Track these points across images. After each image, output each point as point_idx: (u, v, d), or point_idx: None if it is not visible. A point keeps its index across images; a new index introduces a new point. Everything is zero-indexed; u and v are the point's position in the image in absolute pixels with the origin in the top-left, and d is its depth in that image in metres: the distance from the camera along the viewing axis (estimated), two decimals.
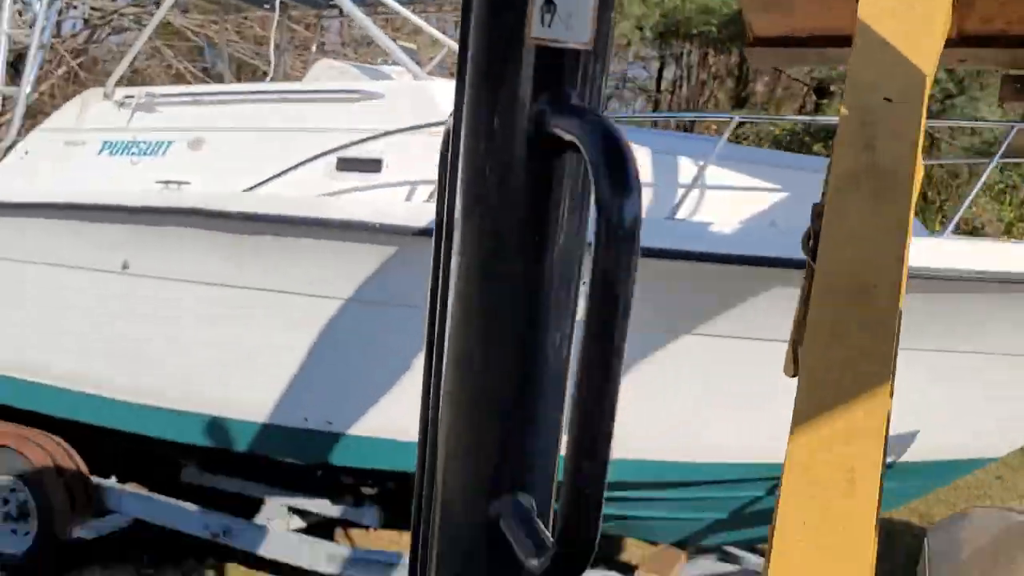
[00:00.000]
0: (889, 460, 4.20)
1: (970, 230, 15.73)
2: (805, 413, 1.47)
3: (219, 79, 8.05)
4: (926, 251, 3.31)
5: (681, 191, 3.68)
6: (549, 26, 0.67)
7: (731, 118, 3.86)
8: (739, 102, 19.64)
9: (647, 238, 2.86)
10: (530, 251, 0.72)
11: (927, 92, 1.53)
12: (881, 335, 1.41)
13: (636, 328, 2.93)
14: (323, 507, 5.06)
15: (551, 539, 0.66)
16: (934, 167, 14.65)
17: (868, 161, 1.43)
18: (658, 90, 23.15)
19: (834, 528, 1.39)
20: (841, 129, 1.49)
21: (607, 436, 0.64)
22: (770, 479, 3.60)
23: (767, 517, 1.65)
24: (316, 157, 4.07)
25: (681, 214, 3.70)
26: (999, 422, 3.81)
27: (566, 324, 0.64)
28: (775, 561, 1.46)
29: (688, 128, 14.46)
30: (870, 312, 1.42)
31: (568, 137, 0.67)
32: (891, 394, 1.63)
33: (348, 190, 4.11)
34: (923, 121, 1.47)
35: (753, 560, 4.60)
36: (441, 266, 0.86)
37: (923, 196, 14.83)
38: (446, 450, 0.77)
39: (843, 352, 1.43)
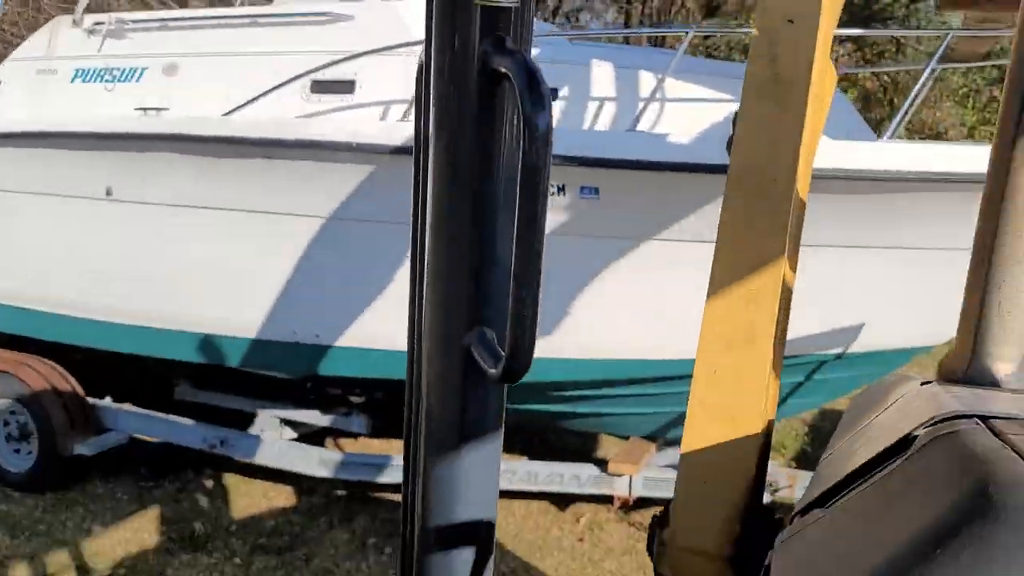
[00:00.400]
0: (838, 351, 4.55)
1: (934, 134, 15.98)
2: (718, 281, 1.75)
3: (184, 3, 7.94)
4: (867, 154, 3.55)
5: (642, 104, 3.87)
6: None
7: (687, 32, 4.01)
8: (710, 11, 19.43)
9: (610, 150, 3.12)
10: (484, 152, 1.01)
11: (837, 13, 1.76)
12: (779, 218, 1.68)
13: (600, 234, 3.20)
14: (314, 417, 5.32)
15: (504, 353, 0.92)
16: (900, 75, 14.75)
17: (772, 74, 1.68)
18: (628, 1, 22.83)
19: (738, 372, 1.68)
20: (753, 46, 1.73)
21: (536, 273, 0.89)
22: None
23: None
24: (291, 80, 4.17)
25: (642, 126, 3.89)
26: (937, 312, 4.11)
27: (513, 203, 0.88)
28: (692, 404, 1.78)
29: (659, 42, 14.39)
30: (770, 199, 1.69)
31: (503, 71, 0.95)
32: (794, 269, 1.89)
33: (324, 112, 4.24)
34: (822, 37, 1.70)
35: None
36: (421, 177, 1.12)
37: (890, 102, 14.98)
38: (431, 303, 1.05)
39: (748, 231, 1.70)
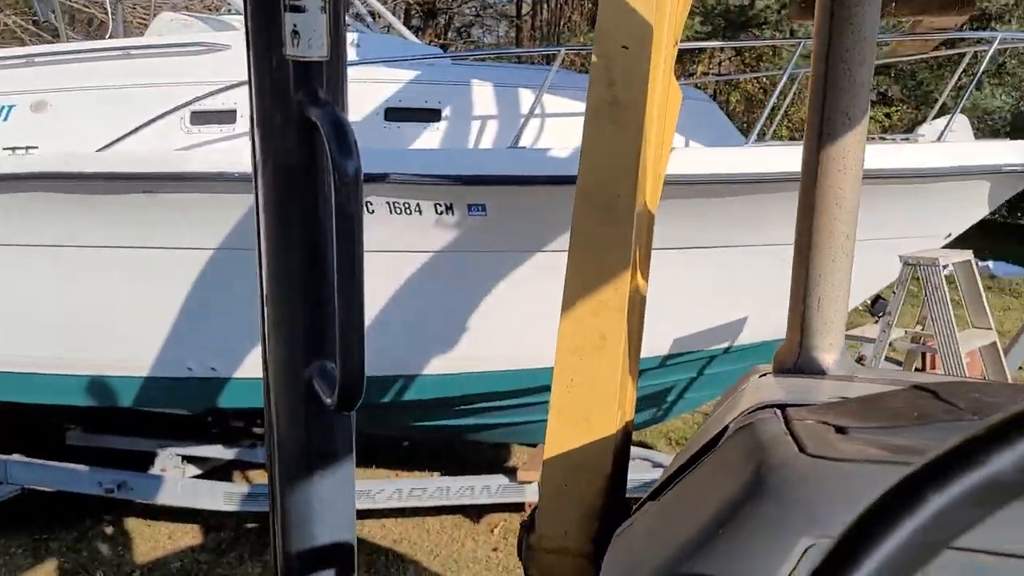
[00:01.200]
0: (726, 345, 4.76)
1: None
2: (569, 294, 1.85)
3: (51, 31, 7.66)
4: (732, 159, 3.76)
5: (522, 121, 3.98)
6: (297, 47, 1.00)
7: (559, 50, 4.16)
8: (595, 23, 19.94)
9: (493, 168, 3.23)
10: (307, 195, 1.07)
11: (676, 37, 1.90)
12: (623, 230, 1.79)
13: (493, 249, 3.30)
14: (217, 452, 5.21)
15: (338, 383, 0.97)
16: (779, 77, 15.55)
17: (609, 97, 1.79)
18: (518, 15, 23.25)
19: (591, 378, 1.78)
20: (592, 71, 1.83)
21: (359, 309, 0.94)
22: None
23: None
24: (169, 112, 4.10)
25: (524, 142, 4.00)
26: None
27: (331, 241, 0.94)
28: (551, 412, 1.87)
29: (549, 59, 14.74)
30: (613, 215, 1.80)
31: (315, 119, 1.00)
32: (646, 277, 2.01)
33: (205, 143, 4.18)
34: (663, 60, 1.82)
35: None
36: (257, 220, 1.17)
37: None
38: (273, 339, 1.10)
39: (594, 244, 1.81)
